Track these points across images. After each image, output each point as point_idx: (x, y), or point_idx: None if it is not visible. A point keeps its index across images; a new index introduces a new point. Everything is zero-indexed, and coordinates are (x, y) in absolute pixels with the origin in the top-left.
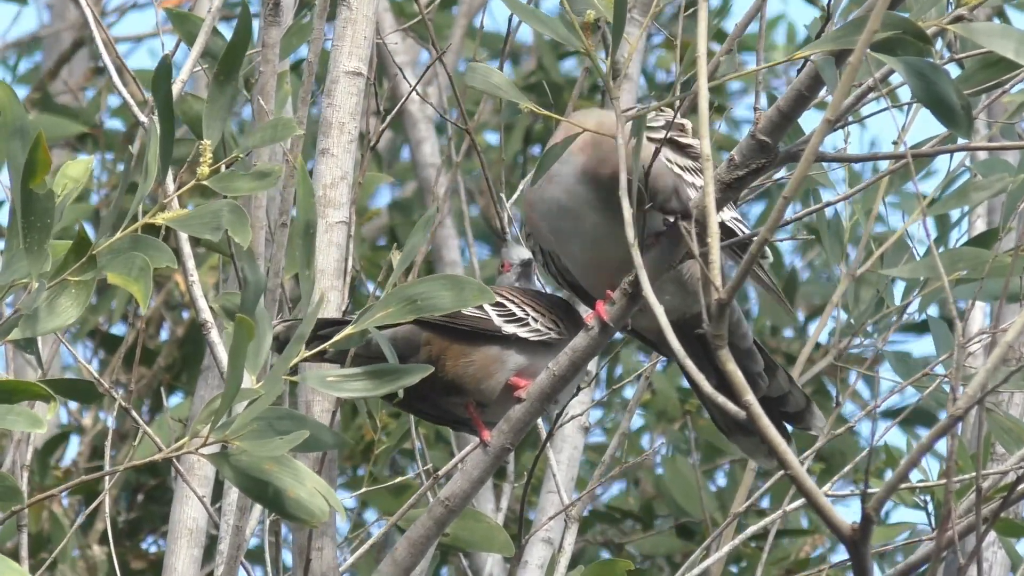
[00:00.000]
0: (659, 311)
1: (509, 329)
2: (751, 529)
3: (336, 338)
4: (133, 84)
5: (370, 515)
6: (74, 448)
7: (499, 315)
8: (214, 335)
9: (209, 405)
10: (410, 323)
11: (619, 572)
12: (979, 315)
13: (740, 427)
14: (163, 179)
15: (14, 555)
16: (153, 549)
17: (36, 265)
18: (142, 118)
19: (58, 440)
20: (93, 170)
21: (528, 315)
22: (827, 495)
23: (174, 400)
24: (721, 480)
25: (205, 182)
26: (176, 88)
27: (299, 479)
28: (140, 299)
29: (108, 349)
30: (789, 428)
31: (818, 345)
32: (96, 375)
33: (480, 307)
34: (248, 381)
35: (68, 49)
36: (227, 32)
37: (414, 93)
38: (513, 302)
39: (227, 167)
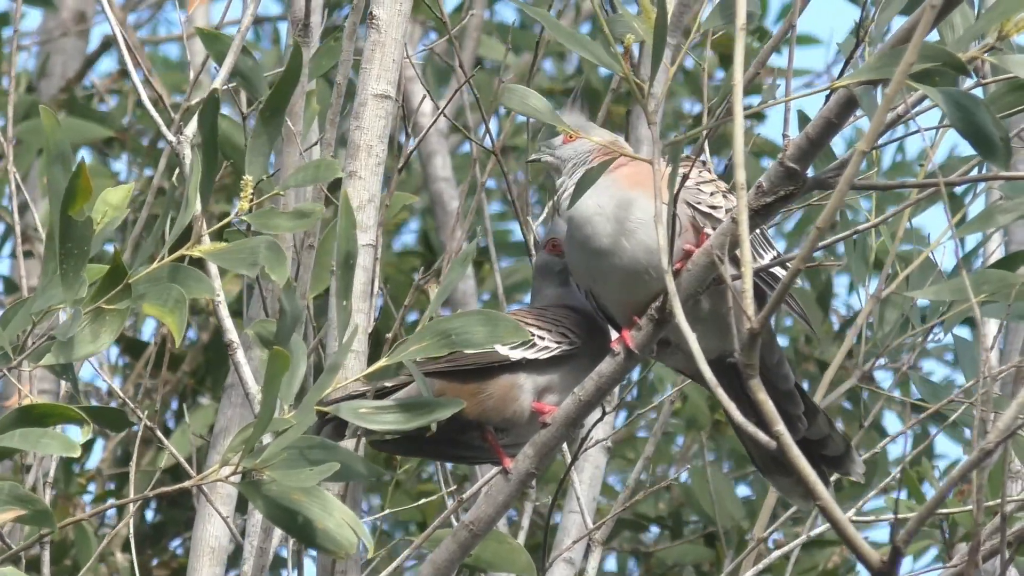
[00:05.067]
0: (690, 337)
1: (517, 355)
2: (775, 554)
3: (370, 369)
4: (158, 89)
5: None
6: (97, 454)
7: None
8: (240, 355)
9: (241, 433)
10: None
11: None
12: (991, 338)
13: (778, 466)
14: (203, 211)
15: (36, 564)
16: (179, 552)
17: (71, 292)
18: (171, 137)
19: (83, 446)
20: (120, 173)
21: (534, 335)
22: (853, 521)
23: (198, 404)
24: (746, 489)
25: (245, 218)
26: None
27: (328, 510)
28: (175, 332)
29: (133, 354)
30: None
31: (849, 354)
32: (125, 397)
33: None
34: (279, 411)
35: (96, 50)
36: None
37: (428, 104)
38: None
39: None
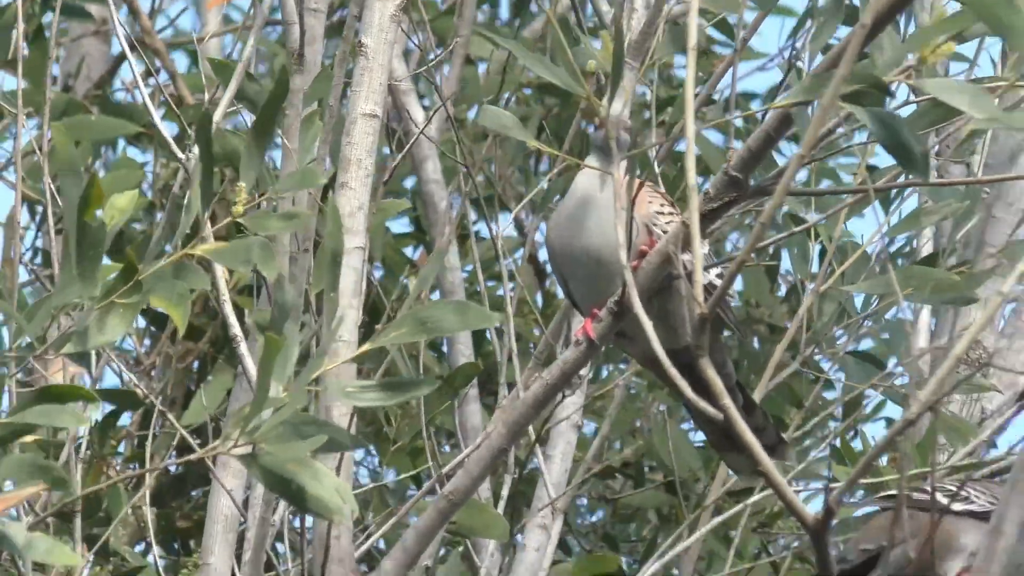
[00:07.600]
0: (647, 324)
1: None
2: (722, 517)
3: (357, 352)
4: (182, 90)
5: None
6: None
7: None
8: (243, 348)
9: (240, 411)
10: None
11: (608, 567)
12: (925, 322)
13: (731, 444)
14: (204, 215)
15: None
16: (202, 500)
17: (87, 289)
18: (179, 155)
19: (115, 413)
20: (148, 163)
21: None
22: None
23: (219, 367)
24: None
25: (240, 220)
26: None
27: (319, 479)
28: (178, 323)
29: (158, 325)
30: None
31: (794, 343)
32: (139, 385)
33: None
34: (275, 390)
35: (121, 53)
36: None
37: (420, 112)
38: None
39: (258, 205)
